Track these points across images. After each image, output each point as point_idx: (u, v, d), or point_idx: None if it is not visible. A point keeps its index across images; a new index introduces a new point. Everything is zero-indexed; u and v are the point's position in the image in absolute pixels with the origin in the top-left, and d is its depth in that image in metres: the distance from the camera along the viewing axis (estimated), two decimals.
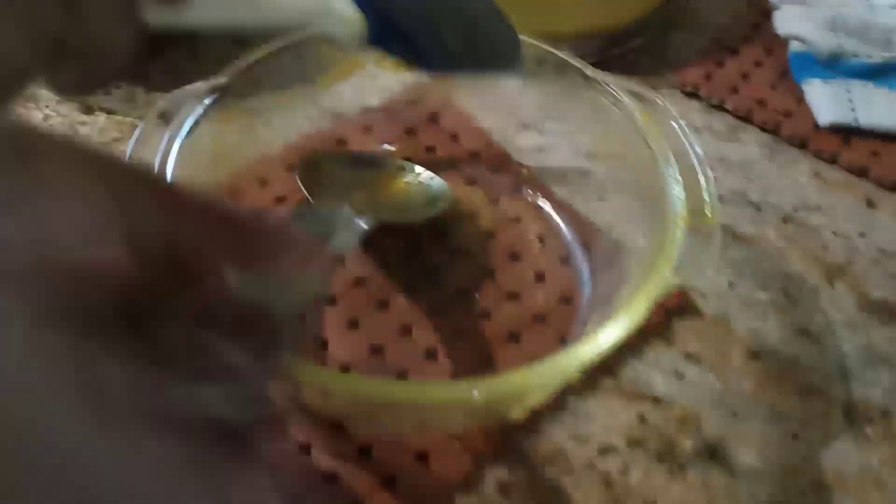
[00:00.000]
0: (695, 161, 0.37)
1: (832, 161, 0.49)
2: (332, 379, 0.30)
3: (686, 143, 0.38)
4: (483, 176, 0.47)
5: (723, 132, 0.51)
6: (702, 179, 0.36)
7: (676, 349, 0.41)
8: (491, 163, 0.47)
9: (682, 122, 0.38)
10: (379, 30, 0.32)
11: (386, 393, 0.29)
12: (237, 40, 0.42)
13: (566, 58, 0.41)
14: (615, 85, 0.40)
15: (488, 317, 0.41)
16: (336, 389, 0.30)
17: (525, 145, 0.48)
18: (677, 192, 0.36)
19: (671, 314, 0.42)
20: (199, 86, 0.39)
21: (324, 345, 0.39)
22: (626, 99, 0.39)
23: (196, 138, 0.38)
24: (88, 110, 0.51)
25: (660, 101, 0.39)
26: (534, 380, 0.30)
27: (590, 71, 0.41)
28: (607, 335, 0.31)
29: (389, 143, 0.48)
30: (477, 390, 0.29)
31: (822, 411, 0.39)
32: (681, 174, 0.37)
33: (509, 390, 0.30)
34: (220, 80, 0.39)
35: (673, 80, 0.54)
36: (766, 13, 0.56)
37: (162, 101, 0.38)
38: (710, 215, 0.35)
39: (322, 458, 0.35)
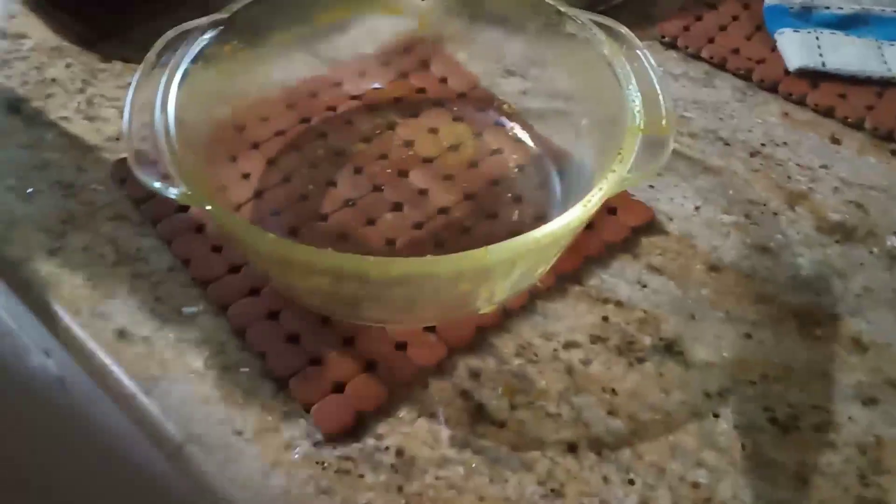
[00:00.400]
0: (654, 81, 0.40)
1: (800, 102, 0.52)
2: (317, 255, 0.34)
3: (647, 66, 0.41)
4: (469, 113, 0.50)
5: (699, 78, 0.54)
6: (660, 97, 0.40)
7: (641, 262, 0.44)
8: (477, 102, 0.51)
9: (645, 50, 0.41)
10: None
11: (361, 267, 0.33)
12: None
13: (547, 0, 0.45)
14: (586, 21, 0.43)
15: (468, 232, 0.44)
16: (319, 263, 0.33)
17: (510, 90, 0.52)
18: (636, 106, 0.39)
19: (638, 232, 0.45)
20: (200, 21, 0.43)
21: None
22: (595, 32, 0.42)
23: (198, 74, 0.41)
24: (107, 58, 0.55)
25: (623, 31, 0.42)
26: (493, 256, 0.33)
27: (564, 9, 0.44)
28: (562, 218, 0.34)
29: (383, 85, 0.52)
30: (442, 263, 0.33)
31: (774, 316, 0.41)
32: (642, 94, 0.40)
33: (471, 265, 0.33)
34: (220, 16, 0.43)
35: (654, 33, 0.57)
36: None
37: (163, 38, 0.42)
38: (664, 126, 0.38)
39: (310, 347, 0.39)
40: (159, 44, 0.42)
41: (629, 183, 0.36)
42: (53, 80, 0.54)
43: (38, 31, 0.58)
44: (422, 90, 0.52)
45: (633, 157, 0.37)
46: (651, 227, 0.45)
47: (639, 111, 0.38)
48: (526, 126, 0.49)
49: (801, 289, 0.43)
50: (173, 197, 0.35)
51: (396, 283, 0.35)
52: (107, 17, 0.58)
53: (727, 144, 0.50)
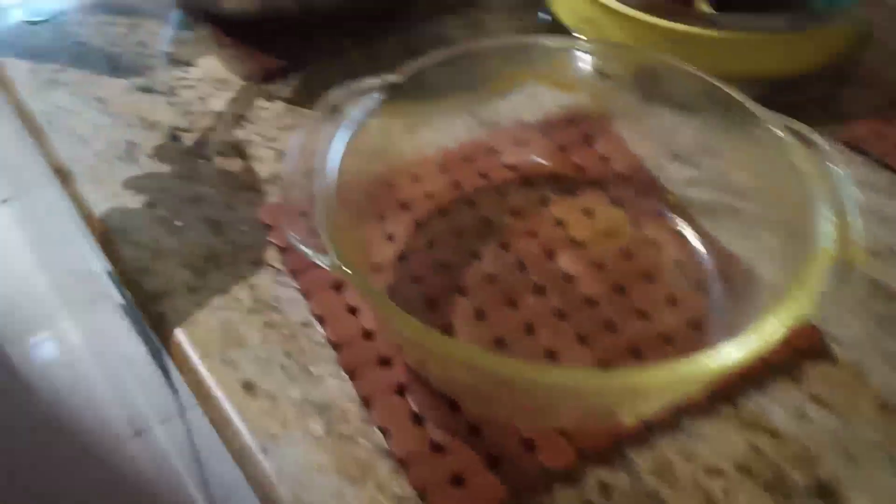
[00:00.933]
0: (846, 203, 0.36)
1: None
2: (454, 348, 0.32)
3: (840, 184, 0.37)
4: (629, 198, 0.48)
5: (885, 189, 0.50)
6: (853, 221, 0.36)
7: (803, 389, 0.40)
8: (638, 187, 0.48)
9: (839, 166, 0.38)
10: None
11: (504, 369, 0.30)
12: (409, 47, 0.45)
13: (729, 91, 0.42)
14: (775, 122, 0.40)
15: (613, 329, 0.41)
16: (457, 358, 0.31)
17: (676, 176, 0.49)
18: (826, 229, 0.35)
19: (803, 355, 0.41)
20: (373, 82, 0.42)
21: (449, 330, 0.41)
22: (783, 135, 0.39)
23: (362, 131, 0.40)
24: (270, 97, 0.56)
25: (818, 141, 0.39)
26: (648, 380, 0.30)
27: (750, 105, 0.41)
28: (730, 350, 0.31)
29: (541, 158, 0.50)
30: (591, 379, 0.30)
31: None
32: (831, 214, 0.36)
33: (623, 386, 0.31)
34: (393, 78, 0.42)
35: (840, 133, 0.53)
36: None
37: (335, 92, 0.41)
38: (855, 253, 0.35)
39: (434, 431, 0.37)
40: (332, 99, 0.41)
41: (809, 317, 0.32)
42: (215, 112, 0.55)
43: (206, 61, 0.59)
44: (581, 168, 0.49)
45: (817, 287, 0.33)
46: (817, 351, 0.41)
47: (832, 237, 0.35)
48: (689, 219, 0.46)
49: None
50: (324, 266, 0.34)
51: (537, 390, 0.32)
52: (278, 58, 0.59)
53: None
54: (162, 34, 0.62)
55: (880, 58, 0.59)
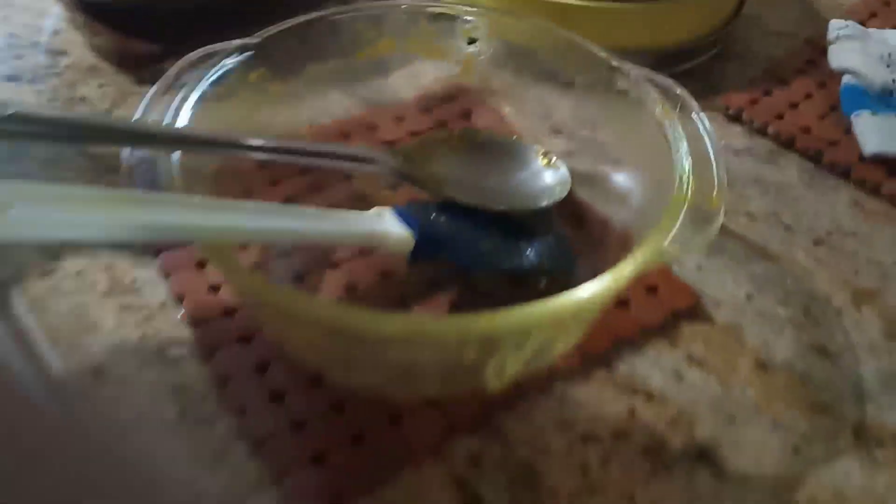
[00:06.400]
0: (709, 148, 0.36)
1: (874, 192, 0.47)
2: (296, 300, 0.30)
3: (703, 131, 0.37)
4: None
5: (762, 155, 0.50)
6: (713, 166, 0.36)
7: (680, 351, 0.39)
8: None
9: (701, 112, 0.37)
10: (423, 247, 0.38)
11: (348, 321, 0.29)
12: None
13: (592, 49, 0.41)
14: (637, 74, 0.40)
15: (489, 297, 0.40)
16: (298, 310, 0.29)
17: (555, 150, 0.48)
18: (684, 173, 0.35)
19: (679, 317, 0.40)
20: (228, 44, 0.40)
21: None
22: (648, 87, 0.39)
23: (216, 100, 0.38)
24: (141, 82, 0.53)
25: (679, 91, 0.38)
26: (502, 323, 0.29)
27: (616, 62, 0.40)
28: (585, 289, 0.30)
29: (419, 133, 0.48)
30: (441, 325, 0.29)
31: (829, 429, 0.36)
32: (695, 162, 0.36)
33: (477, 330, 0.29)
34: (251, 40, 0.40)
35: (718, 105, 0.53)
36: (823, 51, 0.55)
37: (185, 58, 0.39)
38: (715, 198, 0.34)
39: (294, 410, 0.35)
40: (180, 64, 0.39)
41: (668, 257, 0.32)
42: (83, 98, 0.52)
43: (77, 49, 0.56)
44: None
45: (676, 229, 0.32)
46: (695, 312, 0.40)
47: (687, 179, 0.34)
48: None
49: (862, 402, 0.37)
50: None
51: (391, 344, 0.31)
52: (150, 42, 0.56)
53: (789, 230, 0.45)
54: (37, 25, 0.59)
55: (752, 31, 0.59)
